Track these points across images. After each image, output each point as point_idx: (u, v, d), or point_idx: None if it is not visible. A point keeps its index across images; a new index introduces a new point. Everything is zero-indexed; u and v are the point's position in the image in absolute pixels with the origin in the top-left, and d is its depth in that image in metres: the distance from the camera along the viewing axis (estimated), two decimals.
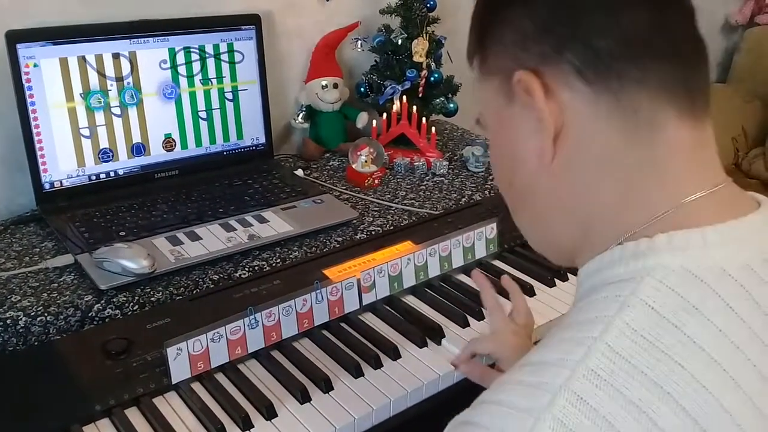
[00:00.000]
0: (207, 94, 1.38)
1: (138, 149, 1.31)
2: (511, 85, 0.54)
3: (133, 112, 1.30)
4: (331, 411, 0.87)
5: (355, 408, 0.88)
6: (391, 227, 1.26)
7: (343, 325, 1.04)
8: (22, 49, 1.17)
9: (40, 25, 1.21)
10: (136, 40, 1.28)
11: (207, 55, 1.36)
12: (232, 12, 1.42)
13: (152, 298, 1.03)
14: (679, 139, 0.52)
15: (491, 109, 0.59)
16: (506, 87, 0.55)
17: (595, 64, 0.50)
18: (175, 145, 1.35)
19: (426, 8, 1.55)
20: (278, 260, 1.14)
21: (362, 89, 1.62)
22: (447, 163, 1.50)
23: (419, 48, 1.54)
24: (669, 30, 0.51)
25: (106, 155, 1.28)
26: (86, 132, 1.25)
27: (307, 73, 1.58)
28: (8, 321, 0.95)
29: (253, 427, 0.85)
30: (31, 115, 1.19)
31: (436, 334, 1.02)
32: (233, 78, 1.40)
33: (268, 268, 1.12)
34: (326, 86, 1.55)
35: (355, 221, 1.26)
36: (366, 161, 1.41)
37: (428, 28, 1.57)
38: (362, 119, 1.60)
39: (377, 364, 0.96)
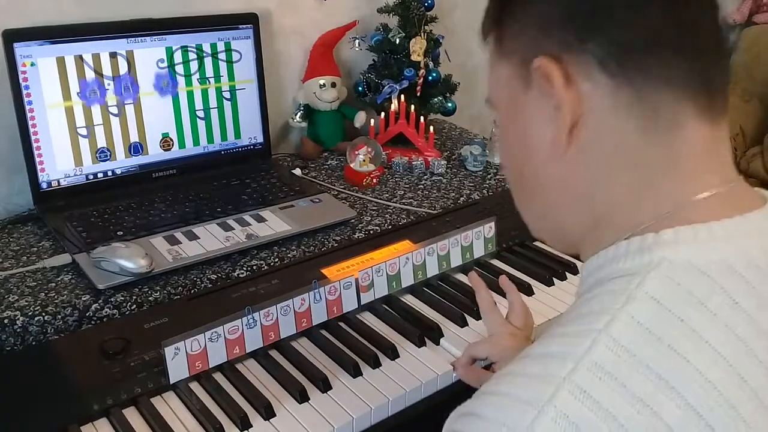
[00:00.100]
0: (205, 94, 1.38)
1: (136, 148, 1.31)
2: (528, 70, 0.53)
3: (130, 111, 1.30)
4: (330, 410, 0.87)
5: (353, 407, 0.88)
6: (390, 226, 1.26)
7: (341, 324, 1.04)
8: (20, 48, 1.17)
9: (38, 24, 1.21)
10: (133, 39, 1.28)
11: (204, 54, 1.36)
12: (230, 11, 1.41)
13: (150, 298, 1.03)
14: (696, 139, 0.51)
15: (504, 92, 0.58)
16: (523, 71, 0.54)
17: (619, 57, 0.49)
18: (172, 145, 1.35)
19: (424, 7, 1.55)
20: (276, 260, 1.14)
21: (360, 88, 1.62)
22: (445, 162, 1.50)
23: (417, 47, 1.54)
24: (695, 27, 0.50)
25: (103, 154, 1.27)
26: (83, 131, 1.25)
27: (305, 72, 1.58)
28: (5, 321, 0.95)
29: (251, 426, 0.85)
30: (28, 115, 1.19)
31: (435, 334, 1.02)
32: (231, 77, 1.40)
33: (266, 268, 1.12)
34: (324, 85, 1.55)
35: (353, 220, 1.26)
36: (364, 160, 1.41)
37: (426, 27, 1.57)
38: (360, 118, 1.60)
39: (376, 364, 0.96)
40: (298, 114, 1.58)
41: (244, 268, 1.11)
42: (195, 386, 0.91)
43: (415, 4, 1.54)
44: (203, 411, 0.85)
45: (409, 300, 1.11)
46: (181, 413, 0.87)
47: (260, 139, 1.46)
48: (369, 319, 1.06)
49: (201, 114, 1.38)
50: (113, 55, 1.26)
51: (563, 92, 0.51)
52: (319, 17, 1.58)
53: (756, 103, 2.51)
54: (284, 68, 1.59)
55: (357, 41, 1.61)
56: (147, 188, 1.31)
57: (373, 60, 1.62)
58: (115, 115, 1.28)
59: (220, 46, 1.37)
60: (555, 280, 1.17)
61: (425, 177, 1.48)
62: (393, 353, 0.98)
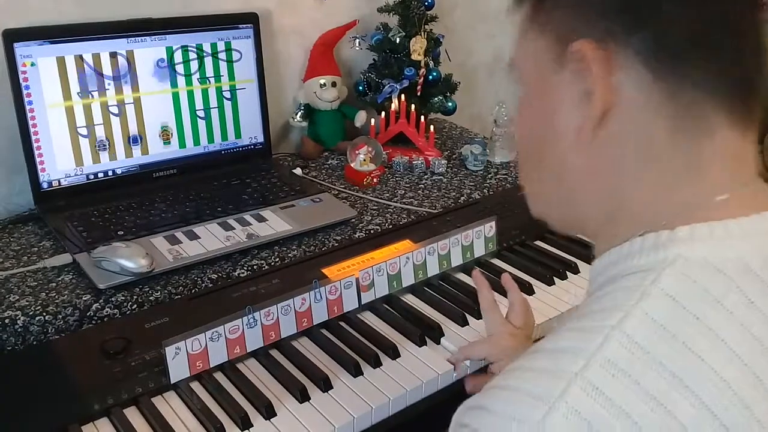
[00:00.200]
0: (205, 93, 1.38)
1: (134, 140, 1.30)
2: (564, 49, 0.51)
3: (131, 111, 1.30)
4: (331, 410, 0.87)
5: (354, 407, 0.88)
6: (390, 226, 1.26)
7: (342, 324, 1.04)
8: (20, 48, 1.17)
9: (38, 24, 1.21)
10: (133, 38, 1.28)
11: (205, 54, 1.36)
12: (230, 11, 1.41)
13: (151, 298, 1.03)
14: (724, 148, 0.50)
15: (531, 63, 0.56)
16: (559, 49, 0.52)
17: (662, 55, 0.48)
18: (171, 135, 1.34)
19: (424, 6, 1.55)
20: (277, 259, 1.14)
21: (360, 88, 1.62)
22: (446, 161, 1.50)
23: (417, 46, 1.54)
24: (742, 35, 0.49)
25: (102, 145, 1.27)
26: (84, 131, 1.25)
27: (305, 71, 1.58)
28: (6, 321, 0.95)
29: (252, 426, 0.85)
30: (29, 114, 1.19)
31: (435, 333, 1.02)
32: (231, 77, 1.40)
33: (266, 267, 1.12)
34: (324, 85, 1.55)
35: (353, 220, 1.26)
36: (364, 160, 1.41)
37: (426, 27, 1.57)
38: (361, 118, 1.60)
39: (376, 363, 0.96)
40: (299, 113, 1.58)
41: (245, 268, 1.11)
42: (196, 386, 0.91)
43: (415, 3, 1.54)
44: (204, 410, 0.85)
45: (410, 299, 1.11)
46: (182, 413, 0.87)
47: (261, 139, 1.46)
48: (370, 318, 1.06)
49: (201, 114, 1.38)
50: (113, 55, 1.26)
51: (599, 81, 0.49)
52: (319, 17, 1.58)
53: None
54: (284, 68, 1.58)
55: (357, 41, 1.61)
56: (147, 188, 1.31)
57: (374, 59, 1.62)
58: (116, 115, 1.28)
59: (221, 46, 1.37)
60: (556, 279, 1.17)
61: (426, 176, 1.48)
62: (394, 353, 0.98)
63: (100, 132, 1.26)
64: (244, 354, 0.95)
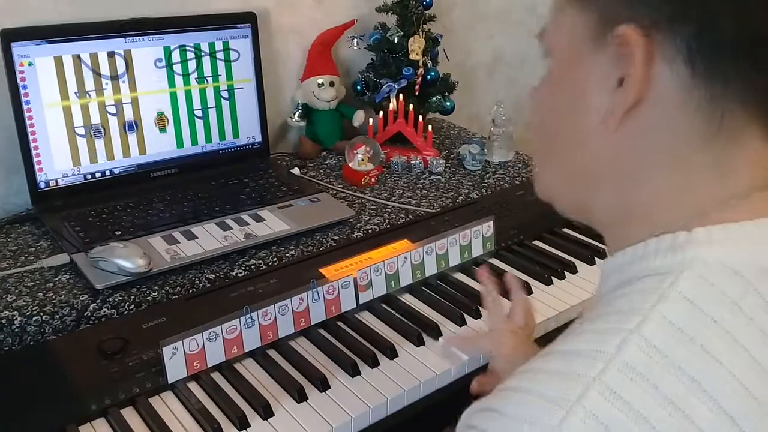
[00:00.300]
0: (203, 93, 1.38)
1: (131, 126, 1.30)
2: (605, 30, 0.49)
3: (128, 111, 1.29)
4: (328, 410, 0.87)
5: (352, 407, 0.88)
6: (388, 226, 1.26)
7: (339, 323, 1.03)
8: (17, 48, 1.17)
9: (35, 24, 1.21)
10: (131, 38, 1.28)
11: (203, 54, 1.36)
12: (228, 10, 1.41)
13: (148, 298, 1.02)
14: (755, 160, 0.49)
15: (566, 38, 0.54)
16: (599, 29, 0.50)
17: (708, 55, 0.47)
18: (167, 123, 1.34)
19: (422, 6, 1.55)
20: (274, 259, 1.14)
21: (359, 87, 1.62)
22: (444, 161, 1.50)
23: (415, 46, 1.54)
24: None
25: (98, 131, 1.26)
26: (81, 131, 1.25)
27: (303, 71, 1.58)
28: (3, 321, 0.95)
29: (249, 426, 0.84)
30: (26, 114, 1.19)
31: (433, 333, 1.02)
32: (229, 76, 1.40)
33: (264, 267, 1.12)
34: (322, 84, 1.55)
35: (351, 220, 1.26)
36: (362, 159, 1.41)
37: (424, 26, 1.57)
38: (359, 117, 1.60)
39: (374, 363, 0.96)
40: (297, 113, 1.58)
41: (243, 268, 1.11)
42: (193, 386, 0.90)
43: (413, 2, 1.54)
44: (201, 411, 0.85)
45: (408, 299, 1.11)
46: (180, 413, 0.86)
47: (258, 139, 1.46)
48: (367, 318, 1.06)
49: (199, 113, 1.38)
50: (111, 55, 1.26)
51: (639, 70, 0.48)
52: (317, 16, 1.58)
53: None
54: (282, 67, 1.58)
55: (355, 40, 1.61)
56: (145, 188, 1.31)
57: (372, 59, 1.62)
58: (113, 115, 1.28)
59: (218, 46, 1.37)
60: (554, 279, 1.17)
61: (424, 176, 1.48)
62: (391, 352, 0.98)
63: (97, 132, 1.26)
64: (242, 354, 0.94)
